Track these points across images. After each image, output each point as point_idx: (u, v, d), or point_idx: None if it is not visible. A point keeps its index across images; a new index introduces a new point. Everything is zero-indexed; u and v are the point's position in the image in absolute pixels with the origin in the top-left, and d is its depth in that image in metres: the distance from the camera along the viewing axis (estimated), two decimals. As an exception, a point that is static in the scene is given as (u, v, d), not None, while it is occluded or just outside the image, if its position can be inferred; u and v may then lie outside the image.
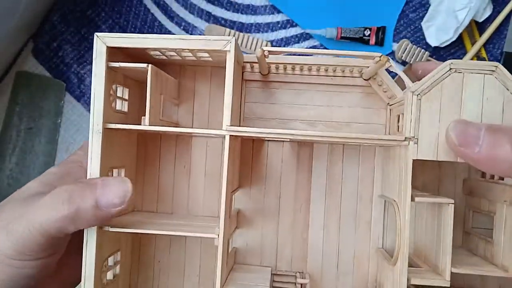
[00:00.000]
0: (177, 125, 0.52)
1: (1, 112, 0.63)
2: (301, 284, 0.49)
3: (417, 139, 0.41)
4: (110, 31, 0.61)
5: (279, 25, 0.62)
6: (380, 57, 0.43)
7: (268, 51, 0.44)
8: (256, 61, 0.49)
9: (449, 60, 0.41)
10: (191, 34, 0.62)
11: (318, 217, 0.51)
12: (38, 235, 0.37)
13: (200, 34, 0.61)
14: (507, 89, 0.40)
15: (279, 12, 0.62)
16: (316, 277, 0.51)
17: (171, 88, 0.50)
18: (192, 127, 0.52)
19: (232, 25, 0.62)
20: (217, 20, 0.62)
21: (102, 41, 0.42)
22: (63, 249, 0.42)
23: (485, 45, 0.62)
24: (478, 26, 0.62)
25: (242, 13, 0.62)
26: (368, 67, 0.48)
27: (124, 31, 0.62)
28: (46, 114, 0.63)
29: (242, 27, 0.62)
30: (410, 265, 0.44)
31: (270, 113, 0.52)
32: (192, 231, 0.42)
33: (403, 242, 0.41)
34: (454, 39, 0.60)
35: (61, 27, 0.63)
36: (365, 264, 0.51)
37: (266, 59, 0.46)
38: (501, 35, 0.61)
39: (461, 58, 0.62)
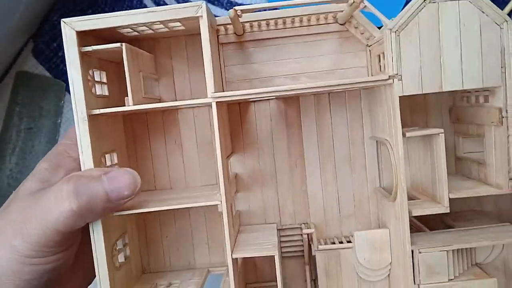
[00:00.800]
0: (160, 101, 0.51)
1: (1, 112, 0.63)
2: (307, 234, 0.50)
3: (401, 75, 0.41)
4: None
5: None
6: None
7: (241, 10, 0.43)
8: (230, 22, 0.48)
9: (421, -7, 0.41)
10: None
11: (314, 168, 0.52)
12: (51, 234, 0.38)
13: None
14: (483, 12, 0.40)
15: None
16: (321, 225, 0.53)
17: (148, 63, 0.49)
18: (175, 100, 0.52)
19: None
20: None
21: (71, 26, 0.41)
22: (79, 239, 0.42)
23: None
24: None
25: None
26: (342, 11, 0.48)
27: None
28: (46, 114, 0.63)
29: None
30: (409, 199, 0.46)
31: (251, 73, 0.51)
32: (195, 201, 0.43)
33: (399, 177, 0.43)
34: None
35: (61, 27, 0.62)
36: (366, 205, 0.52)
37: (239, 18, 0.45)
38: None
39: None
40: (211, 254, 0.53)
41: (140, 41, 0.51)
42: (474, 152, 0.50)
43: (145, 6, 0.62)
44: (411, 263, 0.43)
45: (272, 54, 0.51)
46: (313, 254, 0.50)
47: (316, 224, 0.52)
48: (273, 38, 0.51)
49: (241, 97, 0.42)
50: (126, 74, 0.42)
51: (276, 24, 0.50)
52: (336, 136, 0.52)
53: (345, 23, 0.49)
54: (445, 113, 0.52)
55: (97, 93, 0.45)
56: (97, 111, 0.42)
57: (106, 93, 0.47)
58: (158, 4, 0.63)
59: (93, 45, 0.42)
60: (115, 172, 0.39)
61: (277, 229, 0.52)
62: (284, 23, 0.50)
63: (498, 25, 0.40)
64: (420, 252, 0.42)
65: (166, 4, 0.63)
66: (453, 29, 0.40)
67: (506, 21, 0.40)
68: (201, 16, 0.41)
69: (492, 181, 0.44)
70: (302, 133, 0.52)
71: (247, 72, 0.51)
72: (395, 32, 0.41)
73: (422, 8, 0.41)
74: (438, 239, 0.44)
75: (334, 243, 0.50)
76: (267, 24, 0.50)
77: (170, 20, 0.42)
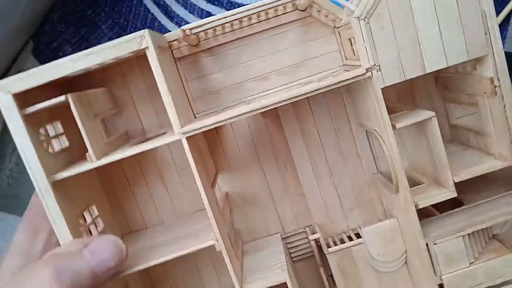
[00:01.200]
0: (127, 136, 0.47)
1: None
2: (315, 239, 0.48)
3: (379, 65, 0.37)
4: (110, 31, 0.60)
5: None
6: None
7: (190, 29, 0.38)
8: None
9: (383, -32, 0.36)
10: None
11: (305, 168, 0.49)
12: None
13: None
14: (455, -23, 0.36)
15: None
16: (325, 223, 0.50)
17: (104, 101, 0.44)
18: (143, 129, 0.48)
19: None
20: None
21: (5, 90, 0.36)
22: None
23: None
24: (478, 26, 0.58)
25: None
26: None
27: (124, 31, 0.60)
28: None
29: None
30: (409, 180, 0.43)
31: (217, 83, 0.47)
32: (190, 245, 0.40)
33: (399, 172, 0.40)
34: None
35: (61, 27, 0.62)
36: (367, 193, 0.50)
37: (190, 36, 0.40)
38: (501, 35, 0.57)
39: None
40: (221, 280, 0.50)
41: (90, 74, 0.46)
42: (468, 115, 0.47)
43: (145, 6, 0.60)
44: (428, 256, 0.40)
45: (235, 58, 0.47)
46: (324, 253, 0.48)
47: (320, 224, 0.50)
48: (232, 40, 0.46)
49: (212, 126, 0.38)
50: (80, 128, 0.38)
51: (232, 25, 0.45)
52: (321, 129, 0.48)
53: (306, 8, 0.45)
54: (430, 80, 0.48)
55: (56, 149, 0.41)
56: (59, 176, 0.38)
57: (66, 144, 0.43)
58: (158, 4, 0.59)
59: (34, 94, 0.37)
60: (96, 242, 0.36)
61: (282, 238, 0.49)
62: (241, 22, 0.45)
63: (473, -13, 0.36)
64: (435, 244, 0.40)
65: (167, 5, 0.59)
66: (426, 3, 0.36)
67: (483, -18, 0.36)
68: (147, 47, 0.36)
69: (494, 151, 0.41)
70: (286, 135, 0.48)
71: (212, 83, 0.47)
72: (364, 19, 0.37)
73: (388, -13, 0.36)
74: (450, 223, 0.42)
75: (342, 239, 0.48)
76: (223, 27, 0.45)
77: (113, 58, 0.37)
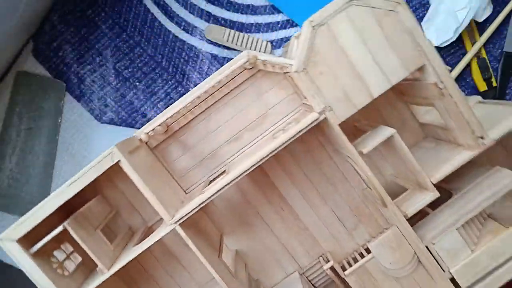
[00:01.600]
0: (131, 231, 0.50)
1: (1, 112, 0.63)
2: (330, 268, 0.50)
3: (329, 106, 0.40)
4: (110, 31, 0.61)
5: (279, 25, 0.61)
6: (248, 60, 0.41)
7: (152, 129, 0.41)
8: (148, 129, 0.46)
9: (305, 21, 0.39)
10: (191, 34, 0.62)
11: (300, 203, 0.52)
12: None
13: (200, 34, 0.61)
14: (373, 7, 0.38)
15: (279, 12, 0.61)
16: (336, 248, 0.53)
17: (99, 211, 0.47)
18: (143, 219, 0.51)
19: (232, 25, 0.61)
20: (217, 20, 0.61)
21: (9, 239, 0.39)
22: None
23: (485, 45, 0.61)
24: (478, 26, 0.61)
25: (242, 13, 0.61)
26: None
27: (124, 31, 0.61)
28: (46, 114, 0.63)
29: (242, 27, 0.61)
30: (396, 187, 0.46)
31: (196, 157, 0.50)
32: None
33: (379, 190, 0.42)
34: (454, 39, 0.58)
35: (61, 27, 0.63)
36: (364, 209, 0.52)
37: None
38: (501, 35, 0.61)
39: (461, 58, 0.61)
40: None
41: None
42: (431, 111, 0.49)
43: (145, 6, 0.62)
44: (432, 257, 0.43)
45: (204, 129, 0.50)
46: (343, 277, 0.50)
47: (331, 250, 0.52)
48: (197, 115, 0.49)
49: (200, 206, 0.41)
50: (85, 249, 0.40)
51: (191, 103, 0.48)
52: (303, 164, 0.51)
53: (253, 66, 0.47)
54: (388, 92, 0.50)
55: (71, 269, 0.44)
56: (81, 297, 0.41)
57: (79, 259, 0.46)
58: (158, 5, 0.62)
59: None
60: None
61: (300, 274, 0.52)
62: (199, 98, 0.48)
63: (392, 11, 0.38)
64: (433, 243, 0.42)
65: (167, 5, 0.62)
66: (353, 39, 0.39)
67: (399, 3, 0.38)
68: (119, 161, 0.39)
69: (463, 142, 0.43)
70: (272, 180, 0.51)
71: (191, 159, 0.50)
72: (303, 71, 0.39)
73: (314, 36, 0.39)
74: (443, 219, 0.44)
75: (355, 258, 0.51)
76: (186, 108, 0.48)
77: (92, 180, 0.40)
